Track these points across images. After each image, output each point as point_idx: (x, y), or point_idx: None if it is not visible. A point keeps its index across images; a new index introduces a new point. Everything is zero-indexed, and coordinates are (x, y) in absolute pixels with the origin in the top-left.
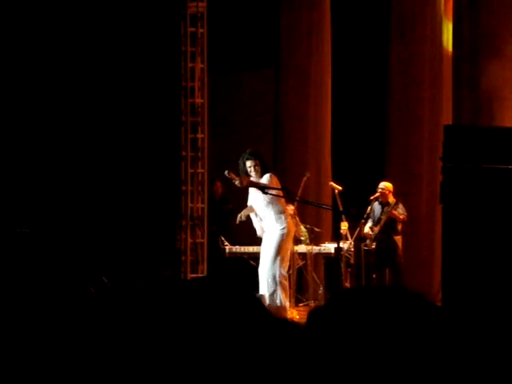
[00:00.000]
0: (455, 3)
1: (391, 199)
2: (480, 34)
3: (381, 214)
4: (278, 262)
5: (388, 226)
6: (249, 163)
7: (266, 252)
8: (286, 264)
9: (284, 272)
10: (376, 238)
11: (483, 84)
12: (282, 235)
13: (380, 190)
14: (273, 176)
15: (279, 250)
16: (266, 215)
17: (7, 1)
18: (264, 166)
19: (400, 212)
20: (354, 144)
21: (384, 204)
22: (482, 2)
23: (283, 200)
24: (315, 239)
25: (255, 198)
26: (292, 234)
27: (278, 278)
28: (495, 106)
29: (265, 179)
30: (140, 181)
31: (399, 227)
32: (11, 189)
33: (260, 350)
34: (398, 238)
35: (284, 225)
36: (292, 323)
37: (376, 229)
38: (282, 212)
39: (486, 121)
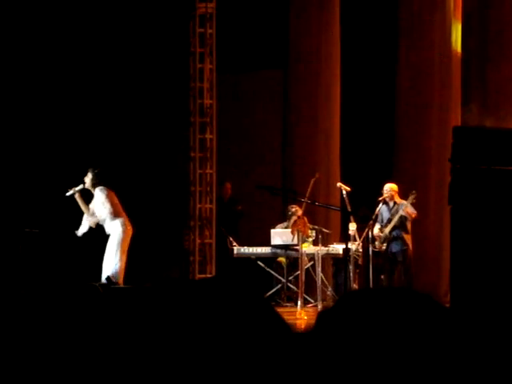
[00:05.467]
0: (464, 4)
1: (398, 199)
2: (489, 35)
3: (391, 215)
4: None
5: (399, 225)
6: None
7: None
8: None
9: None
10: (386, 239)
11: (492, 85)
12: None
13: (386, 191)
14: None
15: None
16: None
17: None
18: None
19: (411, 211)
20: (362, 145)
21: (391, 205)
22: (490, 3)
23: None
24: (323, 240)
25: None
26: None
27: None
28: (504, 108)
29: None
30: (149, 181)
31: (409, 226)
32: (21, 189)
33: (268, 351)
34: (409, 237)
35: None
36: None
37: (386, 230)
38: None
39: (495, 122)
